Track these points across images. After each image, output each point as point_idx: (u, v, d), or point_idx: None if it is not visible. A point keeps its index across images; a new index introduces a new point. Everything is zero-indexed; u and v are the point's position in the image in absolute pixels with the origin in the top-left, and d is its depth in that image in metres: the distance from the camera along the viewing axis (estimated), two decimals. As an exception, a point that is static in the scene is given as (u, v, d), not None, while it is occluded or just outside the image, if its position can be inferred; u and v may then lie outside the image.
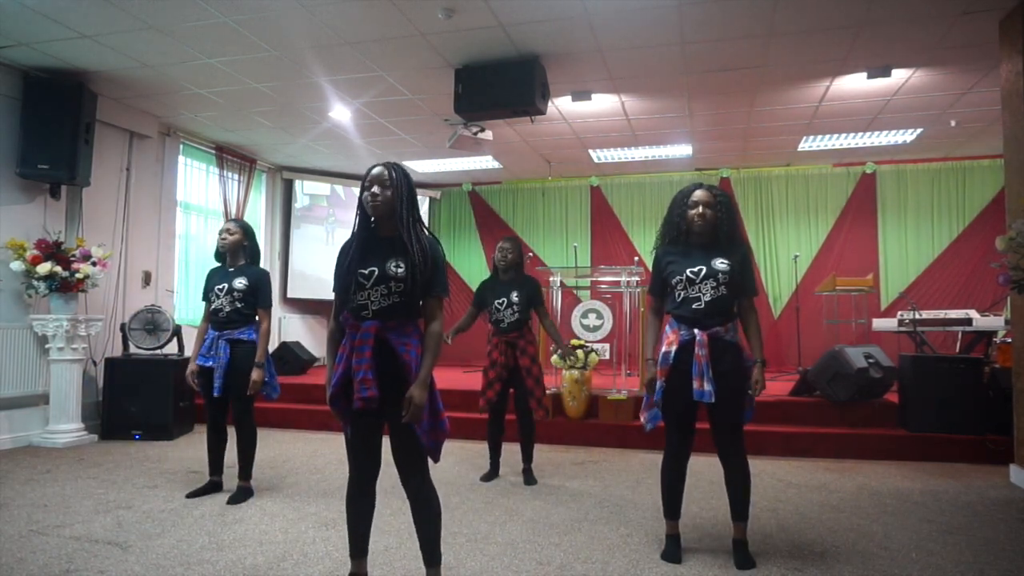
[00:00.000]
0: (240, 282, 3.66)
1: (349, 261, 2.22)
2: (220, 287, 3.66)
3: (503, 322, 4.08)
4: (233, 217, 3.88)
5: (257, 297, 3.69)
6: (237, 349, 3.64)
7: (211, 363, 3.63)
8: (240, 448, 3.70)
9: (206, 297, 3.74)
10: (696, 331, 2.72)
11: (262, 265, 3.91)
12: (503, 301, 4.08)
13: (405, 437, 2.18)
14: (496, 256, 4.16)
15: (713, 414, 2.77)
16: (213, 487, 3.79)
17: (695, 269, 2.74)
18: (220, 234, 3.73)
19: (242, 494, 3.66)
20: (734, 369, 2.73)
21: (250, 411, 3.71)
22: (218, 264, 3.81)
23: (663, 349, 2.80)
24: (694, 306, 2.73)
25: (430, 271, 2.18)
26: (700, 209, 2.77)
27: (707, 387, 2.66)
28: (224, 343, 3.62)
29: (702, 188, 2.81)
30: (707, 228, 2.78)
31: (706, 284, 2.72)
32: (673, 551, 2.83)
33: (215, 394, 3.62)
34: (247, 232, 3.78)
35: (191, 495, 3.71)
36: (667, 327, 2.86)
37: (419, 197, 7.44)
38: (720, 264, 2.72)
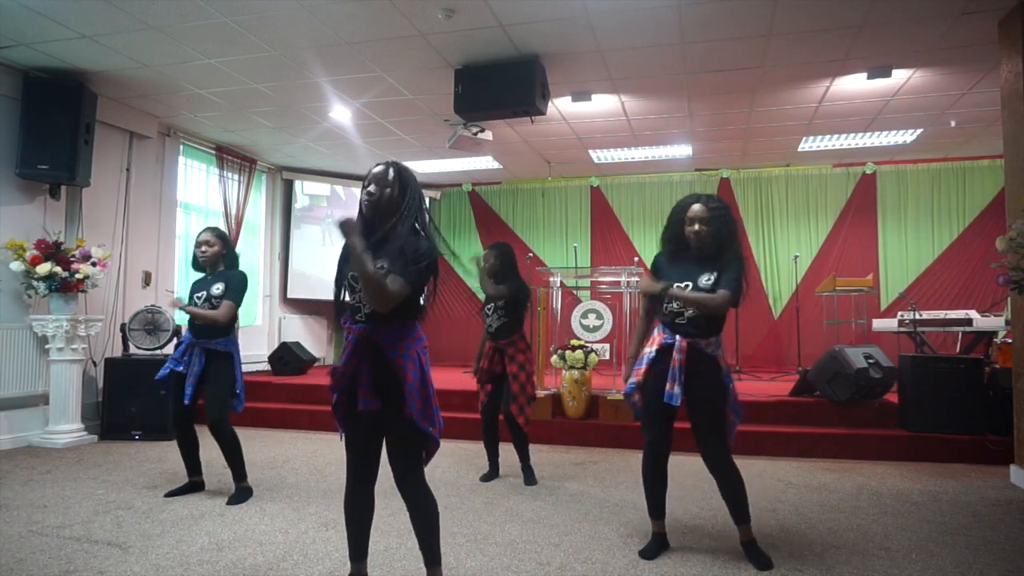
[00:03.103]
0: (217, 287, 3.64)
1: (340, 262, 2.22)
2: (199, 295, 3.66)
3: (491, 327, 4.12)
4: (208, 226, 3.85)
5: (225, 292, 3.61)
6: (212, 359, 3.61)
7: (182, 368, 3.60)
8: (225, 454, 3.67)
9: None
10: (677, 337, 2.77)
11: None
12: (491, 306, 4.12)
13: (401, 437, 2.17)
14: (485, 268, 4.17)
15: (691, 422, 2.80)
16: (192, 487, 3.80)
17: (681, 285, 2.77)
18: (199, 247, 3.68)
19: (242, 494, 3.66)
20: (709, 379, 2.75)
21: (225, 417, 3.63)
22: (199, 273, 3.79)
23: (646, 349, 2.88)
24: (677, 320, 2.79)
25: (411, 264, 2.06)
26: (696, 227, 2.77)
27: (676, 390, 2.71)
28: (199, 352, 3.61)
29: (699, 202, 2.80)
30: (703, 244, 2.79)
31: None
32: (651, 548, 2.86)
33: (185, 402, 3.58)
34: (225, 241, 3.77)
35: (170, 494, 3.72)
36: (657, 327, 2.91)
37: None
38: (705, 282, 2.74)
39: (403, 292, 2.05)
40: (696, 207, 2.79)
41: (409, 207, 2.16)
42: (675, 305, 2.78)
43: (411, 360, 2.12)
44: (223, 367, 3.62)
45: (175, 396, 3.66)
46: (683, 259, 2.85)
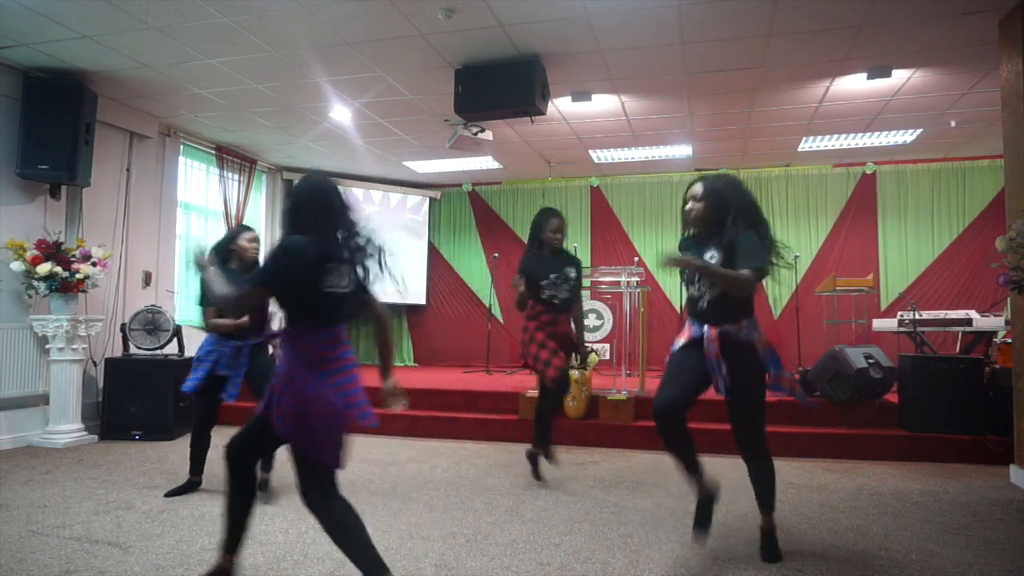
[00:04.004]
0: None
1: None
2: None
3: (556, 298, 3.87)
4: (246, 224, 3.94)
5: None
6: (257, 354, 3.73)
7: (233, 372, 3.67)
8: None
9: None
10: (706, 327, 2.67)
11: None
12: (559, 276, 3.86)
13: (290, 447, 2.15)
14: (551, 237, 3.92)
15: (729, 410, 2.75)
16: (191, 486, 3.81)
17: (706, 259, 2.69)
18: (250, 242, 3.73)
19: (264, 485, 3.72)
20: (746, 367, 2.65)
21: None
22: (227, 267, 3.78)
23: (677, 339, 2.80)
24: (699, 305, 2.71)
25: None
26: (688, 205, 2.75)
27: (720, 384, 2.63)
28: (247, 351, 3.69)
29: (699, 181, 2.75)
30: (699, 223, 2.73)
31: (703, 283, 2.68)
32: (700, 519, 2.72)
33: (230, 400, 3.65)
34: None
35: (169, 494, 3.73)
36: (686, 319, 2.84)
37: (419, 197, 7.43)
38: (710, 260, 2.63)
39: (241, 296, 2.15)
40: (694, 186, 2.75)
41: (288, 216, 2.23)
42: (695, 289, 2.68)
43: (283, 355, 2.16)
44: (266, 359, 3.76)
45: (204, 398, 3.69)
46: (695, 242, 2.79)
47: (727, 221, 2.61)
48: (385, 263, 2.24)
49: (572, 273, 3.93)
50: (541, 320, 3.93)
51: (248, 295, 2.15)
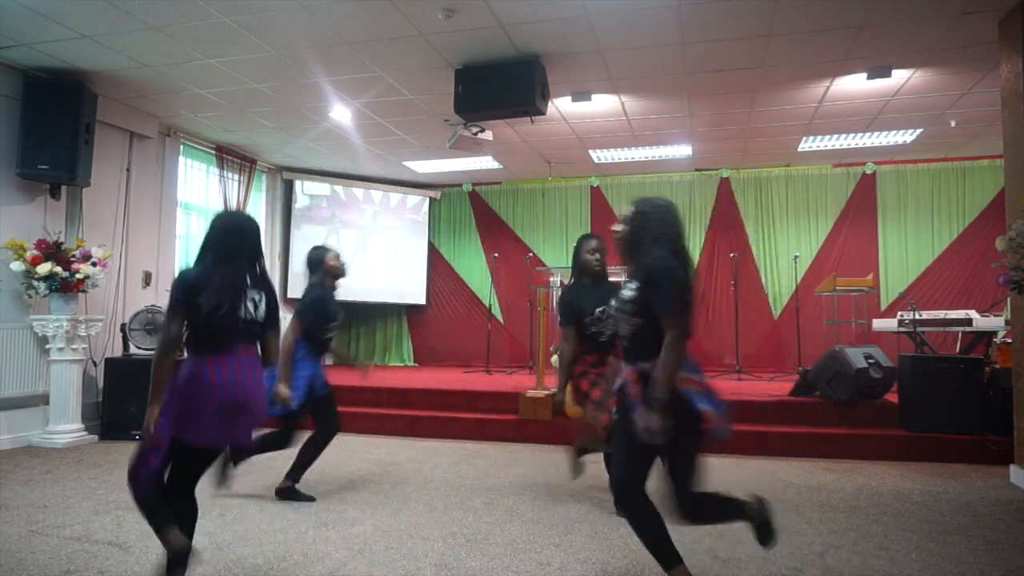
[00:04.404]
0: None
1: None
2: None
3: (603, 335, 3.37)
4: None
5: None
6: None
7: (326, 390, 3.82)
8: (315, 453, 3.85)
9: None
10: (625, 368, 2.37)
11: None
12: (603, 311, 3.35)
13: None
14: (590, 259, 3.50)
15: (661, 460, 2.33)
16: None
17: (614, 303, 2.42)
18: (340, 259, 3.78)
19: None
20: (676, 416, 2.17)
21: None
22: (324, 289, 3.74)
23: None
24: (621, 343, 2.44)
25: None
26: (613, 226, 2.46)
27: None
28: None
29: (632, 204, 2.44)
30: (621, 244, 2.44)
31: (623, 317, 2.35)
32: None
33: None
34: None
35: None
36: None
37: (419, 197, 7.50)
38: (628, 292, 2.34)
39: (165, 340, 2.42)
40: (625, 208, 2.46)
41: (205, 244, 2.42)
42: (619, 326, 2.38)
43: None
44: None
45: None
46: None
47: (646, 244, 2.33)
48: (275, 297, 2.57)
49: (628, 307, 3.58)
50: (585, 362, 3.46)
51: (168, 335, 2.37)
